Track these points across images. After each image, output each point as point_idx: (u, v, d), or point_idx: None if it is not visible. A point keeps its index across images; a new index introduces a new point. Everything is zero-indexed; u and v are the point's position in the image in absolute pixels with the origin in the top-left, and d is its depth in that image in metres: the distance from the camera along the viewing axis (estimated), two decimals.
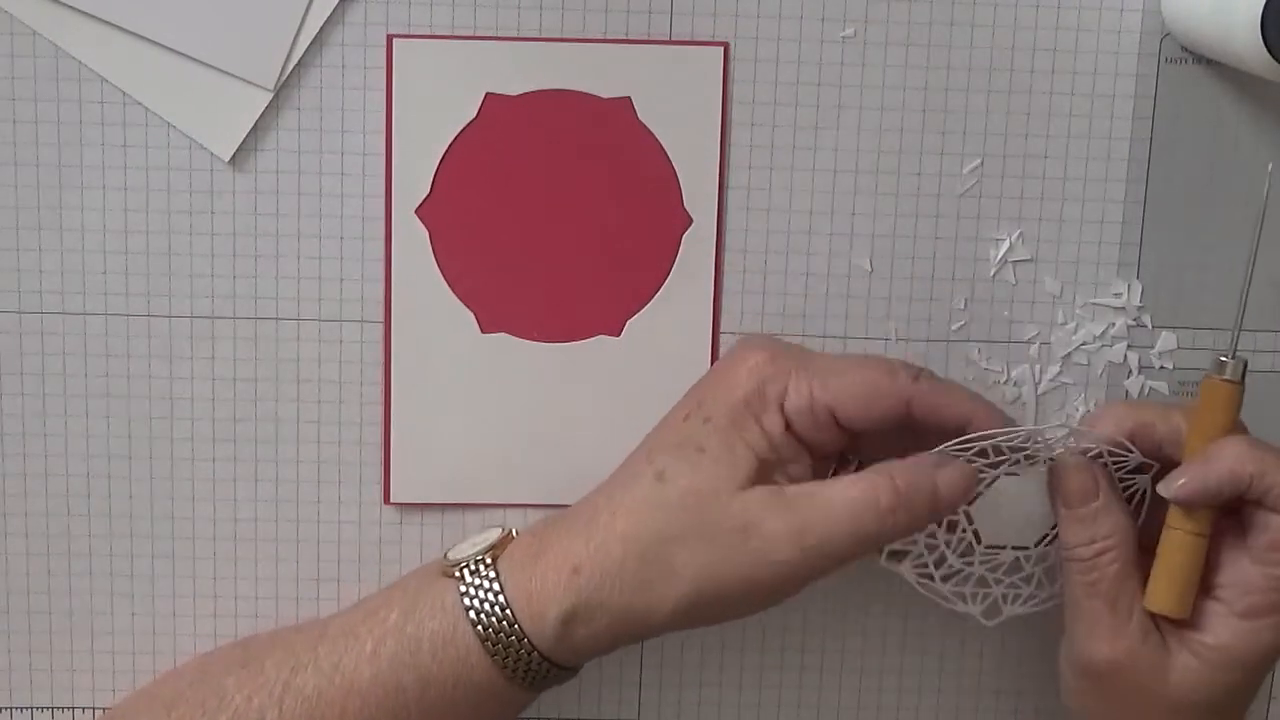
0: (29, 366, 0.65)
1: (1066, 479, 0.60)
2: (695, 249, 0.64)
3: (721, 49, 0.63)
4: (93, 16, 0.62)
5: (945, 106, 0.64)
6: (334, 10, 0.62)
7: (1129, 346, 0.66)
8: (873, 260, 0.65)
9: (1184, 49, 0.64)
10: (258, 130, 0.63)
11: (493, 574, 0.60)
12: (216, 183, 0.63)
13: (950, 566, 0.64)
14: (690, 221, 0.64)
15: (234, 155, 0.63)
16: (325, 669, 0.60)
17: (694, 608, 0.59)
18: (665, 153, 0.63)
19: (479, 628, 0.59)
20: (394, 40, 0.62)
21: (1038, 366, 0.66)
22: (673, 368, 0.65)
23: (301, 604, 0.67)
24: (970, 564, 0.64)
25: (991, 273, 0.65)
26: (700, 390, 0.62)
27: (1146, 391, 0.66)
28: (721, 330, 0.65)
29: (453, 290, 0.64)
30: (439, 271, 0.64)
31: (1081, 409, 0.66)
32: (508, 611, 0.59)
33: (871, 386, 0.60)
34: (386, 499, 0.66)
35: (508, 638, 0.59)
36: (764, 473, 0.59)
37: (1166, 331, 0.66)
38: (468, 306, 0.64)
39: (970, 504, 0.62)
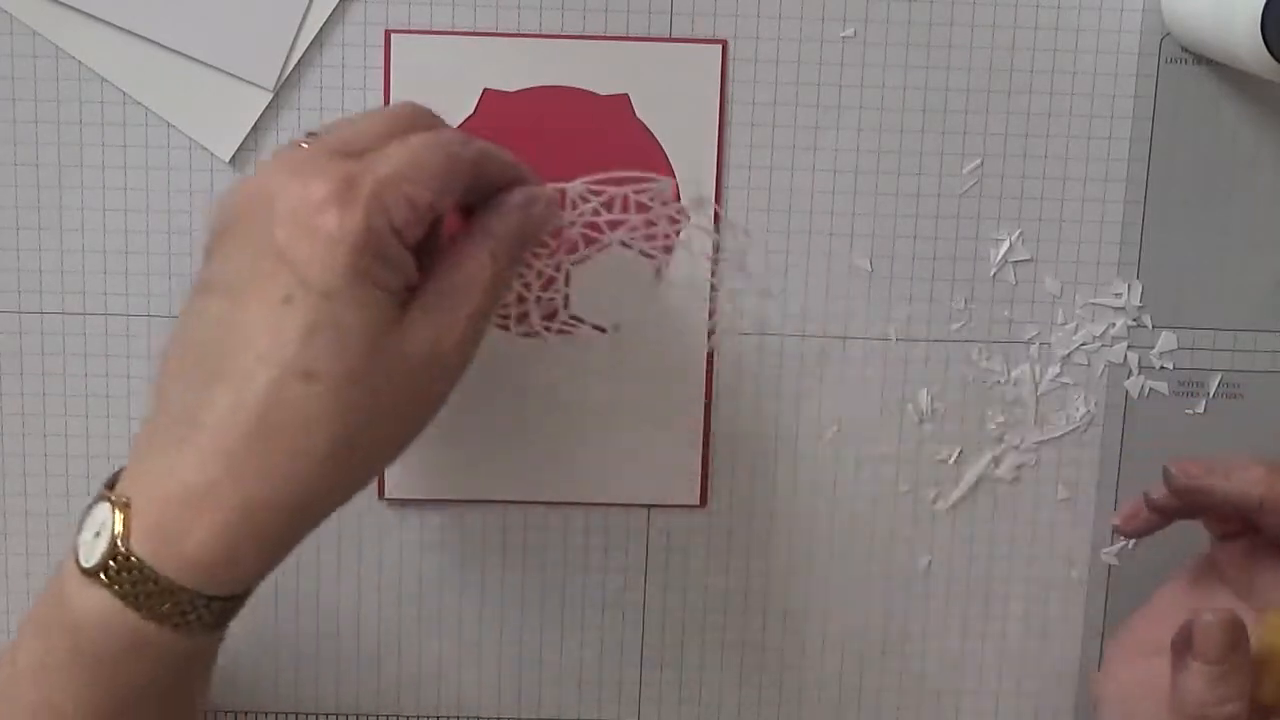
0: (29, 366, 0.65)
1: (1209, 633, 0.56)
2: (692, 247, 0.64)
3: (720, 47, 0.63)
4: (93, 16, 0.62)
5: (945, 106, 0.64)
6: (333, 10, 0.62)
7: (1129, 346, 0.66)
8: (873, 260, 0.65)
9: (1184, 49, 0.64)
10: (258, 130, 0.63)
11: (136, 562, 0.50)
12: (216, 183, 0.64)
13: (530, 326, 0.63)
14: (687, 219, 0.64)
15: (234, 155, 0.63)
16: None
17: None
18: (663, 151, 0.63)
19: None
20: (392, 36, 0.62)
21: (1038, 366, 0.66)
22: (669, 367, 0.65)
23: (300, 600, 0.67)
24: (549, 329, 0.63)
25: (991, 273, 0.65)
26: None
27: (1147, 392, 0.66)
28: (718, 330, 0.65)
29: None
30: None
31: (1083, 409, 0.66)
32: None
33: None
34: (380, 494, 0.66)
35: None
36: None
37: (1166, 331, 0.66)
38: None
39: (576, 264, 0.62)
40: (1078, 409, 0.66)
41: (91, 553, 0.51)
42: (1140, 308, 0.66)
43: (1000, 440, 0.67)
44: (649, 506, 0.67)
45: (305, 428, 0.50)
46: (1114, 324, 0.66)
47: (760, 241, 0.65)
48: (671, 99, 0.63)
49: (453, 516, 0.66)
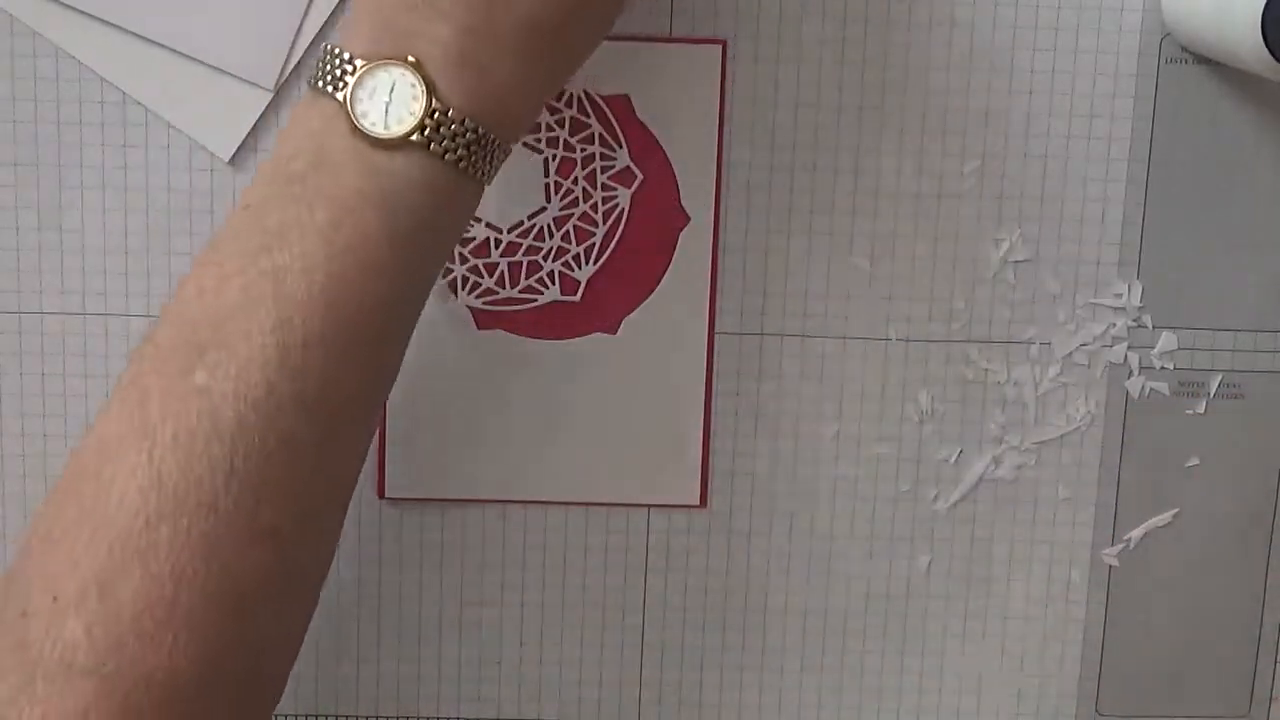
0: (29, 366, 0.65)
1: None
2: (693, 247, 0.64)
3: (720, 47, 0.63)
4: (92, 16, 0.62)
5: (945, 106, 0.64)
6: (334, 10, 0.62)
7: (1129, 347, 0.66)
8: (873, 260, 0.65)
9: (1184, 49, 0.64)
10: (258, 130, 0.63)
11: (453, 123, 0.52)
12: (216, 183, 0.64)
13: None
14: (688, 220, 0.64)
15: (234, 155, 0.63)
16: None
17: None
18: (663, 151, 0.63)
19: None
20: None
21: (1038, 367, 0.66)
22: (669, 366, 0.65)
23: None
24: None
25: (991, 273, 0.65)
26: None
27: (1148, 393, 0.66)
28: (718, 330, 0.65)
29: (449, 286, 0.64)
30: None
31: (1083, 409, 0.66)
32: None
33: None
34: (380, 494, 0.66)
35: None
36: None
37: (1167, 332, 0.66)
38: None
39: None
40: (1078, 409, 0.66)
41: (394, 121, 0.51)
42: (1140, 308, 0.66)
43: (1000, 440, 0.67)
44: (649, 506, 0.67)
45: None
46: (1114, 324, 0.66)
47: (760, 241, 0.65)
48: (671, 99, 0.63)
49: (453, 516, 0.66)
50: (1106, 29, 0.64)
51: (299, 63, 0.62)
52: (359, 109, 0.51)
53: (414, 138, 0.51)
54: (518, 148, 0.62)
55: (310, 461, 0.52)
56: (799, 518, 0.67)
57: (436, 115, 0.52)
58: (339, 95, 0.52)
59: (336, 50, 0.52)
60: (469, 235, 0.63)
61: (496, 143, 0.53)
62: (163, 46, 0.62)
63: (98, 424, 0.51)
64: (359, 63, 0.52)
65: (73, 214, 0.64)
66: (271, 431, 0.50)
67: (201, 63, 0.62)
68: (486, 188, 0.54)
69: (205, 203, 0.64)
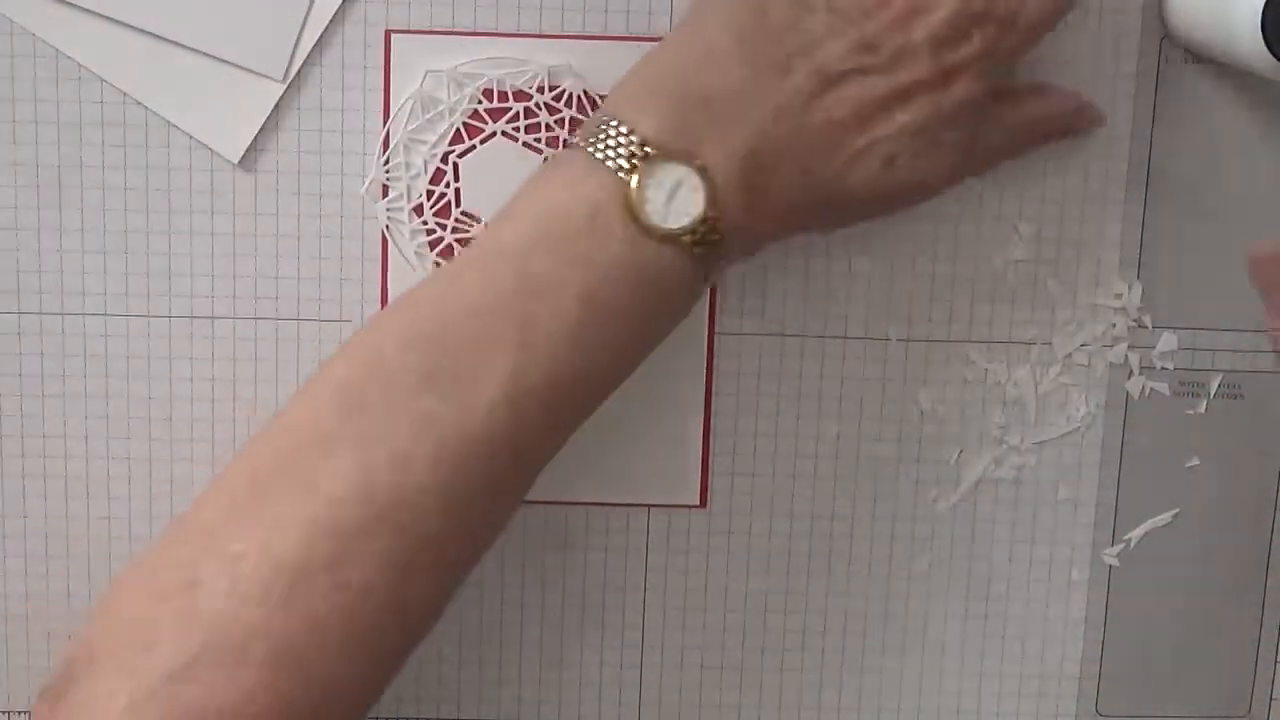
0: (29, 367, 0.65)
1: None
2: None
3: None
4: (94, 13, 0.62)
5: None
6: (335, 10, 0.62)
7: (1129, 347, 0.66)
8: (872, 260, 0.65)
9: (1185, 50, 0.64)
10: (267, 128, 0.63)
11: (716, 236, 0.55)
12: (216, 183, 0.64)
13: (424, 223, 0.63)
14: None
15: (243, 155, 0.63)
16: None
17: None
18: None
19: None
20: (392, 36, 0.62)
21: (1038, 367, 0.66)
22: (668, 367, 0.65)
23: None
24: (444, 227, 0.63)
25: (991, 273, 0.65)
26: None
27: (1148, 393, 0.66)
28: (718, 330, 0.65)
29: None
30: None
31: (1083, 409, 0.66)
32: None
33: None
34: None
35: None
36: None
37: (1167, 332, 0.66)
38: None
39: (462, 156, 0.62)
40: (1078, 409, 0.66)
41: (674, 216, 0.54)
42: (1140, 308, 0.66)
43: (1000, 440, 0.67)
44: (649, 506, 0.67)
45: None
46: (1114, 324, 0.66)
47: None
48: None
49: None
50: (1107, 29, 0.64)
51: (310, 51, 0.62)
52: (644, 194, 0.54)
53: (683, 237, 0.55)
54: (518, 148, 0.62)
55: (504, 506, 0.56)
56: (799, 518, 0.67)
57: (709, 222, 0.55)
58: (627, 179, 0.54)
59: (621, 126, 0.55)
60: (469, 235, 0.63)
61: (741, 252, 0.57)
62: (161, 39, 0.62)
63: (298, 408, 0.54)
64: (649, 150, 0.54)
65: (73, 214, 0.64)
66: (483, 472, 0.53)
67: (204, 54, 0.62)
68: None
69: (205, 203, 0.64)
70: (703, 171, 0.55)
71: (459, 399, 0.53)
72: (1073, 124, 0.63)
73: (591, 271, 0.54)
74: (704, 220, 0.54)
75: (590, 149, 0.55)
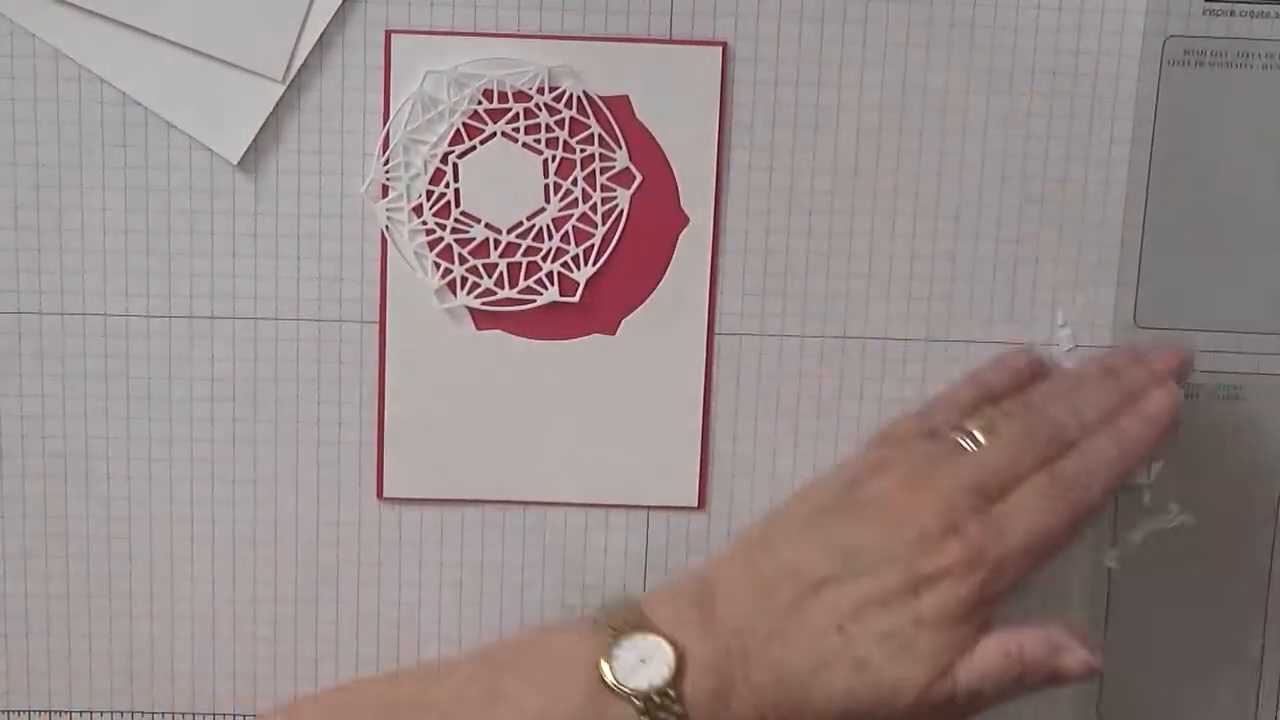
0: (29, 367, 0.65)
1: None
2: (692, 248, 0.64)
3: (720, 49, 0.63)
4: (94, 14, 0.62)
5: (945, 106, 0.64)
6: (335, 10, 0.62)
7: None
8: (872, 260, 0.65)
9: (1186, 51, 0.64)
10: (267, 128, 0.63)
11: (679, 709, 0.56)
12: (216, 183, 0.64)
13: (424, 223, 0.63)
14: (687, 221, 0.64)
15: (242, 157, 0.63)
16: None
17: None
18: (663, 152, 0.63)
19: None
20: (392, 36, 0.62)
21: None
22: (668, 367, 0.65)
23: (299, 600, 0.67)
24: (443, 227, 0.63)
25: (991, 273, 0.65)
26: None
27: None
28: (717, 330, 0.65)
29: (448, 287, 0.64)
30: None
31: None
32: None
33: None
34: (380, 494, 0.66)
35: None
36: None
37: (1166, 332, 0.66)
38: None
39: (462, 157, 0.62)
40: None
41: (635, 678, 0.56)
42: (1140, 309, 0.66)
43: None
44: (649, 507, 0.67)
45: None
46: (1113, 325, 0.66)
47: (760, 241, 0.65)
48: (671, 100, 0.63)
49: (452, 516, 0.66)
50: (1108, 30, 0.64)
51: (310, 51, 0.62)
52: (615, 653, 0.57)
53: (635, 700, 0.56)
54: (518, 148, 0.62)
55: None
56: None
57: (668, 697, 0.56)
58: (604, 659, 0.56)
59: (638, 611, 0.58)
60: (469, 235, 0.63)
61: None
62: (161, 39, 0.62)
63: None
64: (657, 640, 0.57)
65: (73, 214, 0.64)
66: None
67: (204, 54, 0.62)
68: None
69: (204, 203, 0.64)
70: (680, 661, 0.56)
71: None
72: (1058, 675, 0.59)
73: (550, 705, 0.56)
74: (664, 693, 0.56)
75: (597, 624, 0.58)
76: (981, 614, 0.57)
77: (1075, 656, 0.58)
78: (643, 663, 0.56)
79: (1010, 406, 0.61)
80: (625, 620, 0.57)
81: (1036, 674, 0.58)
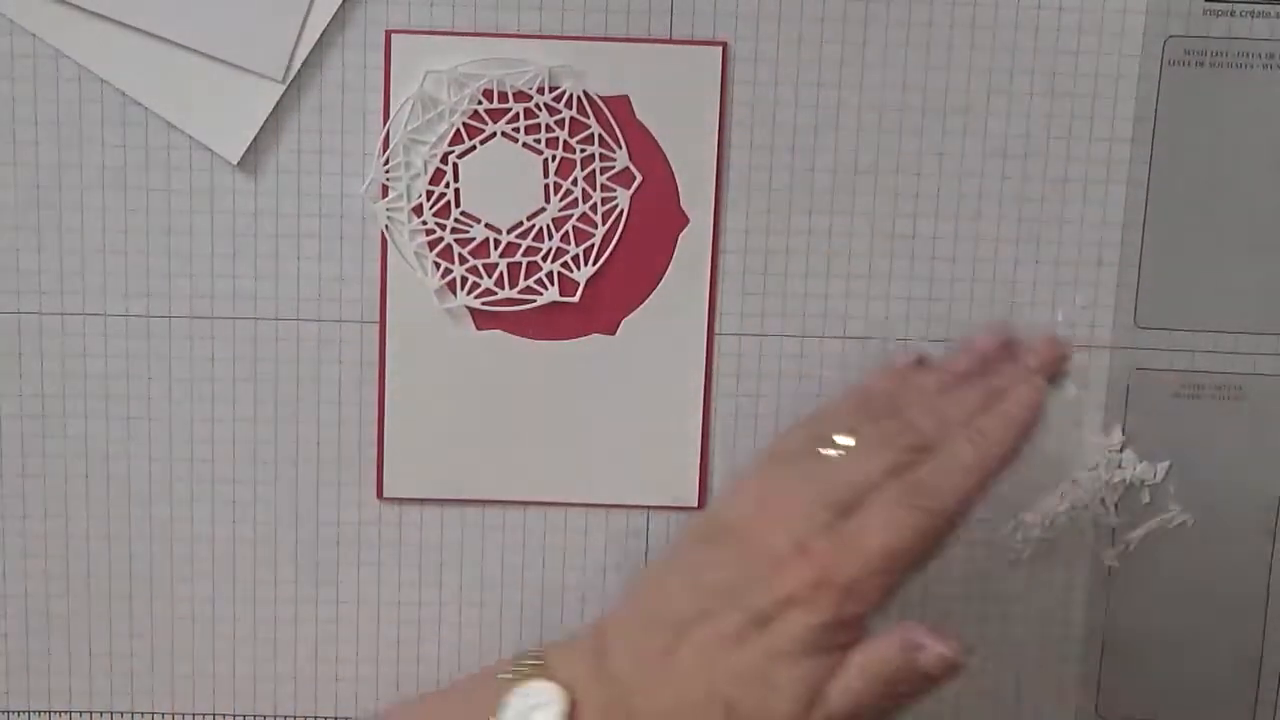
0: (29, 367, 0.65)
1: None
2: (692, 249, 0.64)
3: (720, 49, 0.63)
4: (94, 14, 0.62)
5: (945, 106, 0.64)
6: (335, 10, 0.62)
7: (1129, 347, 0.66)
8: (872, 260, 0.65)
9: (1186, 51, 0.64)
10: (267, 129, 0.63)
11: None
12: (216, 183, 0.64)
13: (424, 223, 0.63)
14: (687, 221, 0.64)
15: (242, 156, 0.63)
16: None
17: None
18: (663, 152, 0.63)
19: None
20: (392, 36, 0.62)
21: None
22: (668, 367, 0.65)
23: (299, 600, 0.67)
24: (443, 227, 0.63)
25: (991, 273, 0.65)
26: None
27: (1148, 393, 0.66)
28: (717, 331, 0.65)
29: (448, 287, 0.64)
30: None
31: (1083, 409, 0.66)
32: None
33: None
34: (379, 494, 0.66)
35: None
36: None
37: (1167, 332, 0.66)
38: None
39: (461, 157, 0.62)
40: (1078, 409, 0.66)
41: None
42: (1140, 310, 0.66)
43: None
44: (649, 507, 0.67)
45: None
46: (1114, 324, 0.66)
47: (760, 242, 0.65)
48: (671, 100, 0.63)
49: (452, 516, 0.66)
50: (1109, 31, 0.64)
51: (310, 51, 0.62)
52: (512, 695, 0.57)
53: None
54: (518, 148, 0.62)
55: None
56: None
57: None
58: (494, 710, 0.57)
59: (535, 657, 0.58)
60: (469, 235, 0.63)
61: None
62: (161, 39, 0.62)
63: None
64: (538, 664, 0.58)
65: (73, 214, 0.64)
66: None
67: (204, 54, 0.62)
68: None
69: (204, 203, 0.64)
70: (574, 701, 0.56)
71: None
72: (927, 676, 0.55)
73: None
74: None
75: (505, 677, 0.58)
76: (844, 636, 0.54)
77: (931, 653, 0.54)
78: (534, 709, 0.56)
79: (879, 410, 0.58)
80: (532, 668, 0.57)
81: (904, 680, 0.54)
